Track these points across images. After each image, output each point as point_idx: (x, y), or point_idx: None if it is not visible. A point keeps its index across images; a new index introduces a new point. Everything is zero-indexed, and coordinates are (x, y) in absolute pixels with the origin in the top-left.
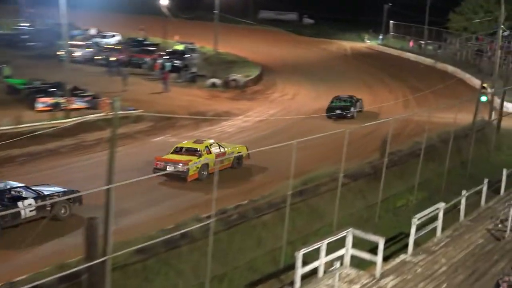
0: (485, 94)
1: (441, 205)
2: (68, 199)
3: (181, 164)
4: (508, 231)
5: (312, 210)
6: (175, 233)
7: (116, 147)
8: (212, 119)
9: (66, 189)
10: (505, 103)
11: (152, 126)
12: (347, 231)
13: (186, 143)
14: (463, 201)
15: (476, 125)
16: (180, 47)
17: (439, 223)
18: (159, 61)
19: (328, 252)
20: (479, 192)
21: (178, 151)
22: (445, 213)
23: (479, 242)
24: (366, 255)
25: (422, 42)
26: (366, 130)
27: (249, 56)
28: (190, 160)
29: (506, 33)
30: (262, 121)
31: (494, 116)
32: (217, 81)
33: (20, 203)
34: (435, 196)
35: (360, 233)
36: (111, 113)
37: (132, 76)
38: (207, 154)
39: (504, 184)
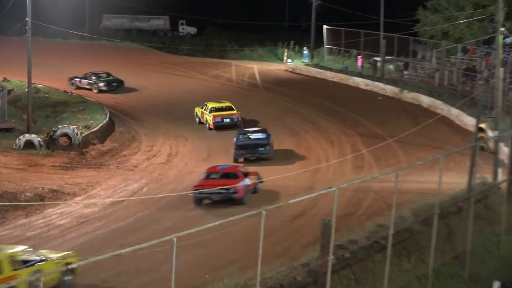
0: (483, 140)
1: None
2: None
3: None
4: None
5: None
6: None
7: None
8: (30, 205)
9: None
10: None
11: None
12: None
13: None
14: None
15: (474, 192)
16: None
17: None
18: None
19: None
20: None
21: None
22: None
23: None
24: None
25: (378, 58)
26: (295, 208)
27: (87, 93)
28: None
29: (509, 40)
30: (117, 203)
31: (501, 175)
32: (35, 138)
33: None
34: None
35: None
36: None
37: None
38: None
39: None
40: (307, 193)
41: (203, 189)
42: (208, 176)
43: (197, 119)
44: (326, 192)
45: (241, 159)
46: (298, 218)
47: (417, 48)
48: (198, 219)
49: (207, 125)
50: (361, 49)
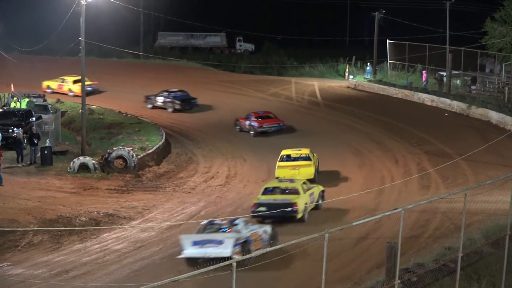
0: None
1: None
2: None
3: None
4: None
5: None
6: None
7: None
8: (85, 230)
9: None
10: None
11: None
12: None
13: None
14: None
15: None
16: (20, 104)
17: None
18: None
19: None
20: None
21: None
22: None
23: None
24: None
25: (444, 73)
26: (359, 231)
27: (143, 113)
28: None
29: None
30: (174, 227)
31: None
32: (90, 161)
33: None
34: None
35: None
36: None
37: None
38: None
39: None
40: (371, 215)
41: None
42: (266, 191)
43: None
44: (391, 213)
45: None
46: (362, 240)
47: (485, 62)
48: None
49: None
50: (426, 63)
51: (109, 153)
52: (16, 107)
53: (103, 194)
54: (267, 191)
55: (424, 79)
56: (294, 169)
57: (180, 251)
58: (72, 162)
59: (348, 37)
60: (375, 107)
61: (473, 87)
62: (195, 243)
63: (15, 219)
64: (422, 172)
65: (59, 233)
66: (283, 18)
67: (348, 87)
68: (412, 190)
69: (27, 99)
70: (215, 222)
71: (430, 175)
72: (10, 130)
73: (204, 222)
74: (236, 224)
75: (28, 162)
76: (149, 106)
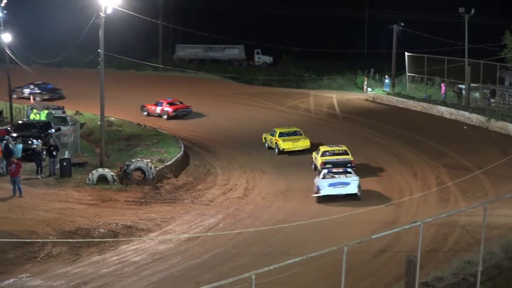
0: None
1: None
2: None
3: None
4: None
5: None
6: None
7: None
8: (104, 241)
9: None
10: None
11: None
12: None
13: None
14: None
15: None
16: (40, 116)
17: None
18: (3, 142)
19: None
20: None
21: None
22: None
23: None
24: None
25: (463, 86)
26: (378, 244)
27: (161, 125)
28: None
29: None
30: (192, 239)
31: None
32: (109, 172)
33: None
34: None
35: None
36: None
37: None
38: None
39: None
40: (390, 228)
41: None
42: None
43: (144, 113)
44: (410, 227)
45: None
46: (381, 254)
47: (505, 75)
48: (276, 255)
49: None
50: (444, 76)
51: (128, 165)
52: (35, 119)
53: (121, 206)
54: (325, 154)
55: (442, 92)
56: None
57: (316, 192)
58: (91, 174)
59: (367, 49)
60: (393, 120)
61: (492, 100)
62: (330, 185)
63: (34, 231)
64: (441, 185)
65: (78, 244)
66: (301, 30)
67: (367, 99)
68: (431, 204)
69: (46, 111)
70: (334, 171)
71: (449, 188)
72: (30, 142)
73: (325, 170)
74: (350, 172)
75: (47, 174)
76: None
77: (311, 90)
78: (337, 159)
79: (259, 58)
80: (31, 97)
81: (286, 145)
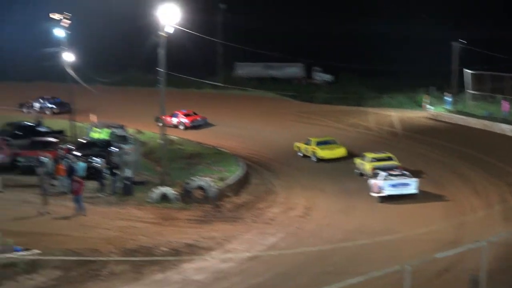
0: None
1: None
2: None
3: None
4: None
5: None
6: None
7: None
8: (165, 260)
9: None
10: None
11: (60, 278)
12: None
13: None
14: None
15: None
16: (101, 134)
17: None
18: (66, 161)
19: None
20: None
21: None
22: None
23: None
24: None
25: None
26: (440, 264)
27: (221, 144)
28: None
29: None
30: (254, 258)
31: None
32: (170, 191)
33: None
34: None
35: None
36: None
37: (16, 189)
38: None
39: None
40: (453, 247)
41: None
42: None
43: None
44: (475, 246)
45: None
46: (444, 273)
47: None
48: (336, 274)
49: (314, 158)
50: (507, 93)
51: (189, 184)
52: (97, 137)
53: (183, 224)
54: (373, 160)
55: (505, 109)
56: None
57: (378, 192)
58: (152, 192)
59: (427, 67)
60: (454, 138)
61: None
62: (392, 186)
63: (96, 249)
64: (504, 204)
65: (140, 263)
66: (361, 48)
67: (427, 117)
68: (494, 222)
69: (108, 130)
70: (392, 173)
71: None
72: (92, 160)
73: (384, 173)
74: (407, 174)
75: (109, 192)
76: (160, 124)
77: (370, 108)
78: (386, 164)
79: (318, 76)
80: (45, 112)
81: (324, 153)
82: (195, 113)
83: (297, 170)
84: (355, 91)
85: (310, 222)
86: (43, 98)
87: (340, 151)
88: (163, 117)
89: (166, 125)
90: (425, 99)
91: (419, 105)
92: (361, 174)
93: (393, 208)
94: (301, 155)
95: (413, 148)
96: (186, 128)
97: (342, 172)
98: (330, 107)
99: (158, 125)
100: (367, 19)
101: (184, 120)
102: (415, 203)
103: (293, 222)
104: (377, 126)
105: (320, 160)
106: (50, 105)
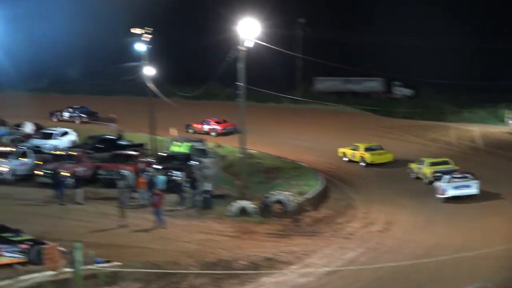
0: None
1: None
2: None
3: None
4: None
5: None
6: None
7: None
8: (244, 273)
9: None
10: None
11: None
12: None
13: None
14: None
15: None
16: (181, 148)
17: None
18: (146, 174)
19: None
20: None
21: None
22: None
23: None
24: None
25: None
26: None
27: (300, 158)
28: None
29: None
30: (333, 273)
31: None
32: (249, 205)
33: None
34: None
35: None
36: (67, 270)
37: (97, 202)
38: None
39: None
40: None
41: None
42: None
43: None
44: None
45: None
46: None
47: None
48: None
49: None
50: None
51: (268, 198)
52: (177, 151)
53: (261, 238)
54: (433, 164)
55: None
56: None
57: (442, 193)
58: (231, 206)
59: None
60: None
61: None
62: (455, 187)
63: (176, 261)
64: None
65: (219, 276)
66: (442, 62)
67: (509, 132)
68: None
69: (188, 143)
70: (455, 176)
71: None
72: (172, 174)
73: (447, 176)
74: (469, 177)
75: (189, 205)
76: (191, 131)
77: (451, 123)
78: (444, 168)
79: (399, 90)
80: (74, 120)
81: (374, 158)
82: (225, 121)
83: (377, 185)
84: (435, 106)
85: (390, 237)
86: (72, 107)
87: (388, 157)
88: (194, 124)
89: (196, 132)
90: (508, 114)
91: (501, 120)
92: (417, 178)
93: (473, 223)
94: (346, 159)
95: (495, 164)
96: (218, 134)
97: (399, 177)
98: (410, 122)
99: (188, 132)
100: (449, 34)
101: (216, 127)
102: (495, 219)
103: (373, 237)
104: (458, 141)
105: (369, 165)
106: (78, 114)
